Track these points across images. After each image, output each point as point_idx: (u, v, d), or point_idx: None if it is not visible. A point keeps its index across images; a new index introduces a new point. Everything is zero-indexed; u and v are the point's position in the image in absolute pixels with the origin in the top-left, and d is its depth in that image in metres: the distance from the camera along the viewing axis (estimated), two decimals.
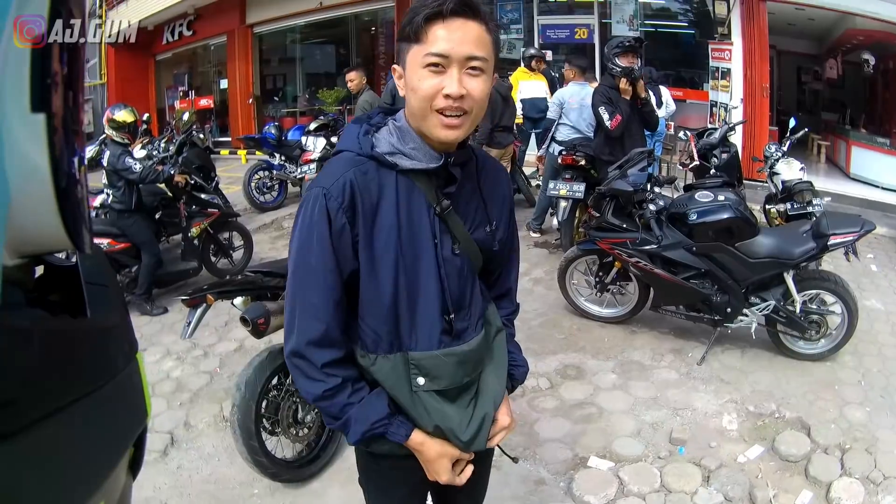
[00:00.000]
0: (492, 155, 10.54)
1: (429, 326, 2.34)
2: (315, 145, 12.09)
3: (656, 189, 7.06)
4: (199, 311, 5.25)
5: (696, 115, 15.62)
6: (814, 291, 6.50)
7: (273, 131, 14.05)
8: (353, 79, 12.21)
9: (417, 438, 2.37)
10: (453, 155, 2.28)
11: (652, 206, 6.74)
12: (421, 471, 2.49)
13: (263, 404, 4.89)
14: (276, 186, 14.02)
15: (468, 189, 2.42)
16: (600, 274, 7.53)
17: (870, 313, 7.07)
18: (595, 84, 10.20)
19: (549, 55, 16.35)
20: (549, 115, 10.73)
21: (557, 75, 14.45)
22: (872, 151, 15.18)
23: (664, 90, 12.51)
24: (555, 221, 10.37)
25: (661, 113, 12.35)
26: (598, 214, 7.16)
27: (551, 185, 9.69)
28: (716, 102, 15.53)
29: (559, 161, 9.86)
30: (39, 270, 1.40)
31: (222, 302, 5.30)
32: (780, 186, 8.93)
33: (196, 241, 9.60)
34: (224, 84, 24.66)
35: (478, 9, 2.12)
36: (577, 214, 9.67)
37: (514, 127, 11.78)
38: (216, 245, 10.06)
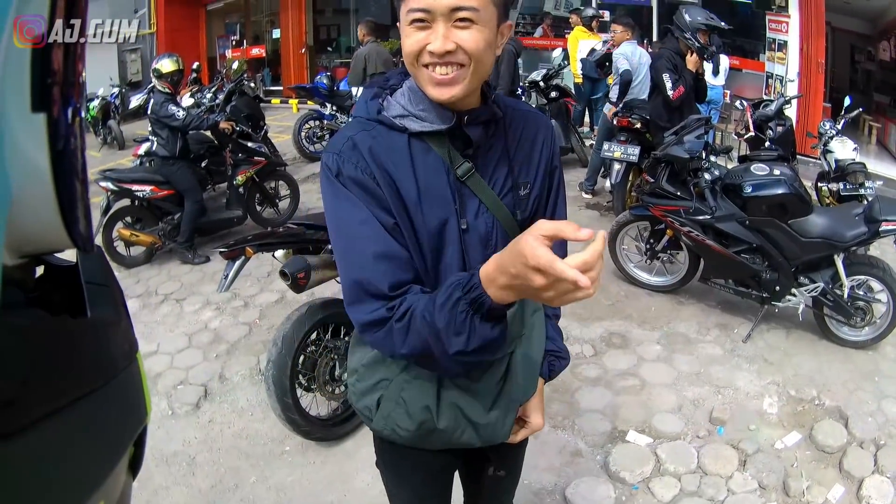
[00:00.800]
0: None
1: None
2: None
3: (712, 158, 6.93)
4: (238, 263, 5.22)
5: (751, 85, 15.43)
6: (862, 277, 6.38)
7: (325, 81, 13.95)
8: (360, 31, 12.47)
9: (486, 270, 1.80)
10: (468, 113, 2.07)
11: (707, 176, 6.64)
12: (442, 458, 2.40)
13: (301, 360, 4.86)
14: (326, 136, 13.94)
15: (496, 149, 2.20)
16: (651, 241, 7.45)
17: None
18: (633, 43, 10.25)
19: (605, 15, 16.18)
20: (623, 68, 10.31)
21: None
22: None
23: (724, 59, 12.39)
24: (607, 183, 10.23)
25: (719, 81, 12.21)
26: (652, 180, 7.09)
27: (605, 146, 9.56)
28: (772, 74, 15.33)
29: (615, 122, 9.75)
30: (39, 270, 1.38)
31: (263, 254, 5.28)
32: (833, 165, 8.77)
33: (241, 190, 9.69)
34: (277, 34, 24.66)
35: None
36: (630, 178, 9.56)
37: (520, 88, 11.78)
38: (262, 194, 10.13)
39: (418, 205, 2.06)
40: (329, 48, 24.86)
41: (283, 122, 15.71)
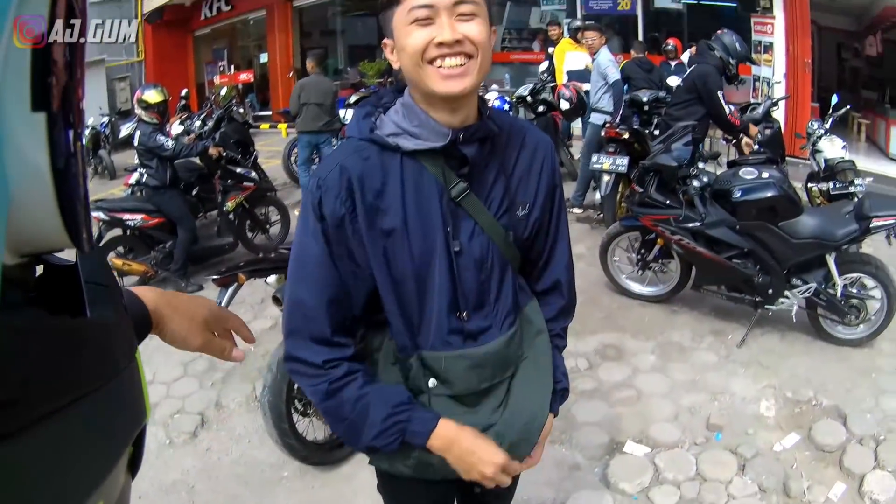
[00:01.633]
0: None
1: (436, 325, 2.11)
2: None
3: (700, 164, 6.95)
4: (231, 290, 5.22)
5: (739, 90, 15.50)
6: (855, 275, 6.41)
7: (343, 114, 13.71)
8: (308, 62, 12.73)
9: (448, 428, 2.06)
10: (464, 130, 2.00)
11: (696, 183, 6.63)
12: (443, 486, 2.37)
13: (296, 385, 4.81)
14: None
15: (492, 168, 2.13)
16: (642, 251, 7.45)
17: None
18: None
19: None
20: (613, 77, 10.31)
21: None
22: None
23: None
24: (597, 196, 10.17)
25: None
26: (641, 190, 7.06)
27: (594, 158, 9.54)
28: (758, 77, 15.40)
29: (603, 134, 9.74)
30: (39, 270, 1.33)
31: (255, 280, 5.28)
32: (822, 164, 8.85)
33: (231, 216, 9.68)
34: (264, 58, 24.70)
35: None
36: (619, 189, 9.53)
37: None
38: (252, 220, 10.09)
39: (405, 231, 2.02)
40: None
41: (272, 146, 15.72)
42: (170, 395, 6.27)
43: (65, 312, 1.27)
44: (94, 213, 8.25)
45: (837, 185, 8.43)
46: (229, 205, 9.54)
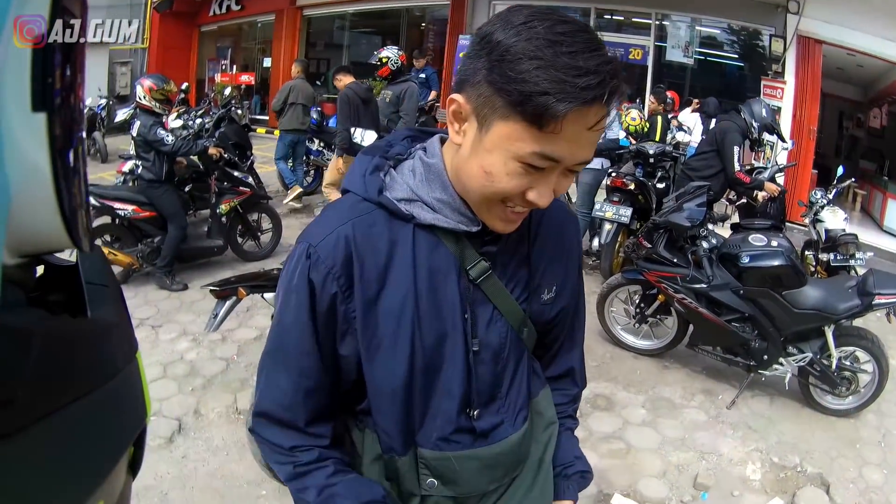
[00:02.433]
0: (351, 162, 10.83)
1: (442, 423, 1.84)
2: (363, 137, 10.64)
3: (709, 226, 6.95)
4: (229, 303, 5.11)
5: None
6: (850, 348, 6.40)
7: (315, 116, 13.74)
8: (294, 68, 14.06)
9: None
10: None
11: (705, 244, 6.65)
12: None
13: None
14: (312, 172, 13.89)
15: (516, 244, 1.85)
16: (641, 305, 7.42)
17: (893, 372, 6.90)
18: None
19: None
20: (612, 135, 10.43)
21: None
22: None
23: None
24: (595, 243, 10.09)
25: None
26: (649, 245, 7.04)
27: (598, 206, 9.59)
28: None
29: (608, 182, 9.77)
30: (39, 270, 1.39)
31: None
32: (823, 234, 8.86)
33: (224, 219, 9.59)
34: (267, 63, 24.74)
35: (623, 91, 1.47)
36: (619, 238, 9.54)
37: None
38: (244, 225, 9.99)
39: (414, 317, 1.73)
40: (318, 82, 24.66)
41: (268, 152, 15.69)
42: None
43: (65, 312, 1.33)
44: None
45: (838, 258, 8.48)
46: (223, 208, 9.46)
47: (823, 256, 8.68)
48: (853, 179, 11.83)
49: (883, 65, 14.91)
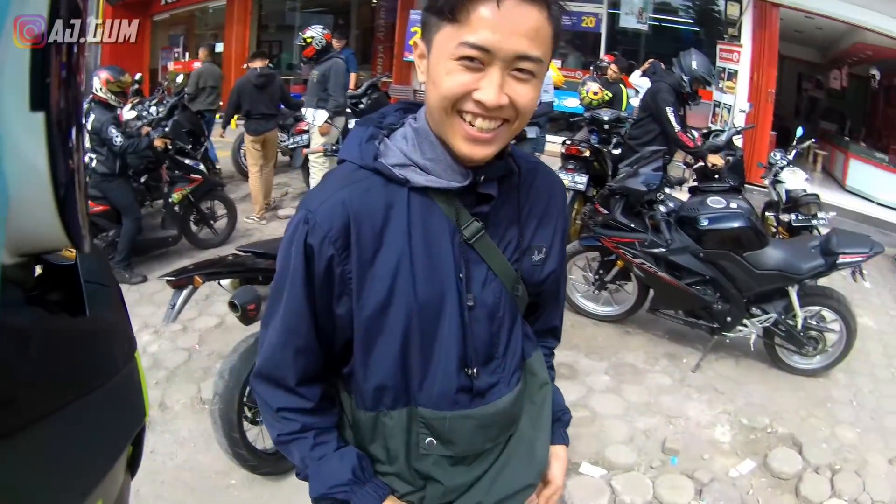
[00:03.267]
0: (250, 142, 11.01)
1: (442, 382, 1.86)
2: (315, 116, 10.79)
3: (667, 190, 6.94)
4: (185, 293, 5.01)
5: (698, 114, 15.60)
6: (816, 308, 6.45)
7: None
8: (200, 52, 15.46)
9: None
10: (485, 170, 1.78)
11: (663, 208, 6.63)
12: None
13: (246, 392, 4.66)
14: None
15: (508, 207, 1.91)
16: (600, 272, 7.41)
17: (862, 332, 7.02)
18: None
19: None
20: (546, 98, 10.50)
21: None
22: (870, 166, 15.35)
23: None
24: None
25: None
26: (605, 211, 7.01)
27: None
28: (719, 103, 15.63)
29: (563, 150, 9.74)
30: (38, 269, 1.41)
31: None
32: (783, 195, 8.90)
33: (177, 208, 9.49)
34: (220, 48, 24.43)
35: None
36: (576, 206, 9.53)
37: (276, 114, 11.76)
38: (198, 213, 9.89)
39: (410, 276, 1.78)
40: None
41: (220, 138, 15.62)
42: None
43: (64, 312, 1.35)
44: None
45: (800, 217, 8.53)
46: (175, 196, 9.36)
47: (785, 217, 8.73)
48: (813, 140, 11.88)
49: (842, 27, 15.00)
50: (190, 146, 10.26)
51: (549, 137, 13.39)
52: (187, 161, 9.86)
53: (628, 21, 17.58)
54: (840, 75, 18.84)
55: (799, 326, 6.31)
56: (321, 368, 1.93)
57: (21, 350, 1.03)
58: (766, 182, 9.42)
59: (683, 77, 8.45)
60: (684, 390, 6.23)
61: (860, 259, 6.22)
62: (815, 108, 20.60)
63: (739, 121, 12.95)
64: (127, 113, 11.91)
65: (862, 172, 15.42)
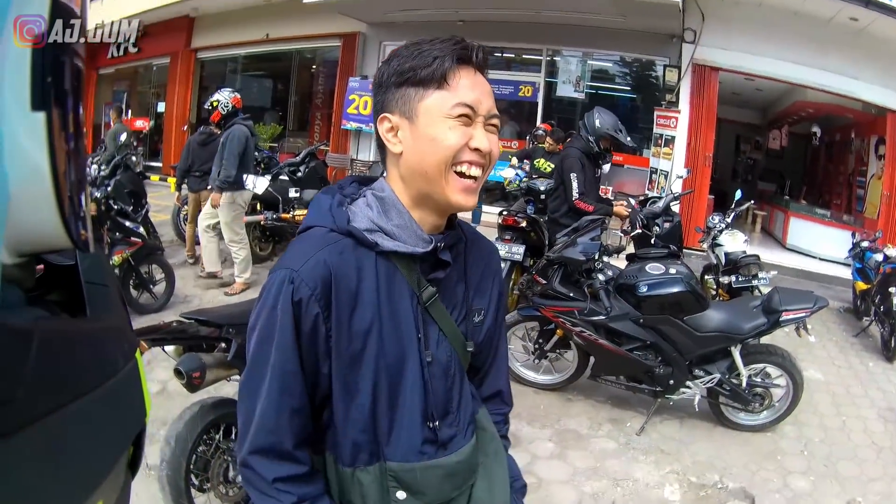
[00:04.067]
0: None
1: (409, 435, 1.98)
2: (256, 184, 10.96)
3: (605, 258, 6.97)
4: None
5: (634, 181, 15.84)
6: (760, 365, 6.54)
7: None
8: (112, 113, 15.51)
9: None
10: (444, 237, 1.95)
11: (601, 277, 6.66)
12: None
13: (193, 460, 4.63)
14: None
15: (454, 273, 2.07)
16: (540, 341, 7.39)
17: (809, 384, 7.16)
18: None
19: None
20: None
21: None
22: (811, 222, 15.69)
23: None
24: None
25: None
26: (544, 281, 7.03)
27: None
28: (656, 169, 15.77)
29: (500, 221, 9.79)
30: (39, 269, 1.42)
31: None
32: (722, 258, 9.03)
33: (116, 271, 9.20)
34: (161, 107, 24.47)
35: (488, 64, 1.93)
36: (513, 276, 9.49)
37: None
38: (137, 277, 9.69)
39: (379, 335, 1.89)
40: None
41: (160, 200, 15.49)
42: None
43: (65, 312, 1.38)
44: None
45: (740, 279, 8.65)
46: (115, 259, 9.12)
47: (724, 279, 8.83)
48: (752, 202, 12.05)
49: (782, 87, 15.37)
50: (131, 208, 10.11)
51: (484, 208, 13.73)
52: (128, 223, 9.63)
53: (565, 90, 17.82)
54: (780, 135, 19.22)
55: (743, 385, 6.38)
56: (311, 429, 1.97)
57: (21, 350, 1.04)
58: (705, 246, 9.58)
59: (590, 138, 8.45)
60: (630, 453, 6.23)
61: (804, 314, 6.33)
62: (754, 169, 20.93)
63: (677, 186, 13.09)
64: None
65: (802, 230, 15.72)
